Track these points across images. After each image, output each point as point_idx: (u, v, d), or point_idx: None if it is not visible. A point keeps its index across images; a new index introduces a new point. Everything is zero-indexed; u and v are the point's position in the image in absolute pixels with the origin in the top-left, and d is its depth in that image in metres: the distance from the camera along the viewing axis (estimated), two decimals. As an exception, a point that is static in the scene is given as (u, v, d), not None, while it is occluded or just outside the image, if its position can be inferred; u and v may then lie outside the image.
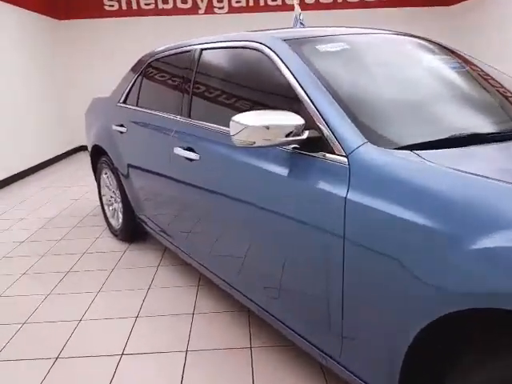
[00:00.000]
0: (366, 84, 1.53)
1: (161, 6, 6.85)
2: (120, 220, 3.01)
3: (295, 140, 1.30)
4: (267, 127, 1.25)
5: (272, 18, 6.87)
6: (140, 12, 6.83)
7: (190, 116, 2.01)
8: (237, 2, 6.84)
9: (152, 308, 2.16)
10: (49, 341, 1.92)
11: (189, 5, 6.85)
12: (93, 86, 7.08)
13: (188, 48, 2.18)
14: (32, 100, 5.82)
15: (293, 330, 1.47)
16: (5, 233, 3.35)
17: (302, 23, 4.38)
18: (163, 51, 2.47)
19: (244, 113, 1.31)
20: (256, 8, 6.90)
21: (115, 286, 2.40)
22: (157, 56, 2.53)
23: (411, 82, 1.63)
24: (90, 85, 7.11)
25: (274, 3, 6.91)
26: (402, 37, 1.87)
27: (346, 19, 6.49)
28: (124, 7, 6.84)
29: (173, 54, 2.34)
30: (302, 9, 7.04)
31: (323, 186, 1.22)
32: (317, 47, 1.61)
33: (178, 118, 2.08)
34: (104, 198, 3.22)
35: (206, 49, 2.02)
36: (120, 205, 2.96)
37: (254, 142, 1.28)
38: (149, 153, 2.29)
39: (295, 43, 1.60)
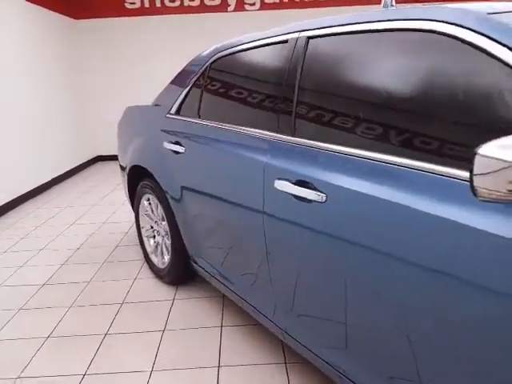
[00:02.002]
0: None
1: (187, 3, 6.27)
2: (166, 258, 2.40)
3: None
4: None
5: (308, 16, 6.27)
6: (164, 10, 6.26)
7: (293, 134, 1.39)
8: (270, -3, 6.25)
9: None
10: None
11: (217, 2, 6.26)
12: (113, 90, 6.54)
13: (279, 38, 1.56)
14: (48, 105, 5.25)
15: None
16: (18, 272, 2.75)
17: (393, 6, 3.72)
18: (233, 46, 1.86)
19: (503, 139, 0.70)
20: (291, 4, 6.29)
21: (172, 361, 1.78)
22: (223, 53, 1.92)
23: None
24: (109, 89, 6.56)
25: (310, -1, 6.30)
26: None
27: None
28: (147, 5, 6.27)
29: (251, 49, 1.73)
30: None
31: None
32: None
33: (273, 136, 1.46)
34: (143, 230, 2.61)
35: (316, 37, 1.40)
36: (167, 239, 2.35)
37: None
38: (224, 182, 1.67)
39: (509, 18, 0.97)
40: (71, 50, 6.13)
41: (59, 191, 4.90)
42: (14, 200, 4.20)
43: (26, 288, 2.49)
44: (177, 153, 1.99)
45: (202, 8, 6.28)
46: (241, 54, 1.79)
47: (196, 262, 2.14)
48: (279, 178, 1.35)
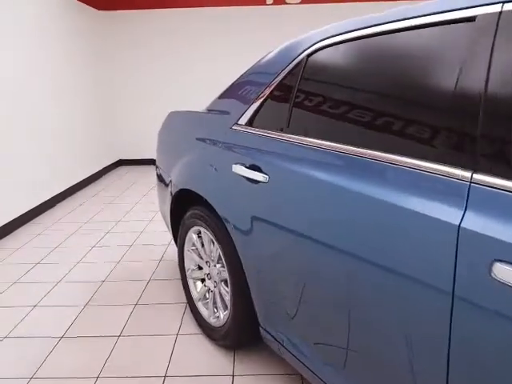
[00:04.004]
0: None
1: (220, -6, 5.71)
2: (222, 314, 1.80)
3: None
4: None
5: (353, 10, 5.64)
6: (197, 2, 5.69)
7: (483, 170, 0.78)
8: (313, -10, 5.64)
9: None
10: None
11: (254, -7, 5.68)
12: (139, 89, 6.00)
13: (453, 15, 0.95)
14: (63, 103, 4.72)
15: None
16: (28, 318, 2.18)
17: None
18: (349, 31, 1.24)
19: None
20: (336, -3, 5.67)
21: None
22: (327, 42, 1.31)
23: None
24: (136, 88, 6.02)
25: (358, -8, 5.67)
26: None
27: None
28: (177, -4, 5.72)
29: (386, 33, 1.12)
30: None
31: None
32: None
33: (466, 176, 0.85)
34: (188, 271, 2.03)
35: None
36: (223, 288, 1.76)
37: None
38: (354, 233, 1.06)
39: None
40: (94, 45, 5.60)
41: (76, 203, 4.35)
42: (20, 217, 3.61)
43: (38, 344, 1.92)
44: (255, 182, 1.39)
45: (237, 1, 5.69)
46: (367, 41, 1.17)
47: (268, 331, 1.54)
48: (504, 262, 0.74)
